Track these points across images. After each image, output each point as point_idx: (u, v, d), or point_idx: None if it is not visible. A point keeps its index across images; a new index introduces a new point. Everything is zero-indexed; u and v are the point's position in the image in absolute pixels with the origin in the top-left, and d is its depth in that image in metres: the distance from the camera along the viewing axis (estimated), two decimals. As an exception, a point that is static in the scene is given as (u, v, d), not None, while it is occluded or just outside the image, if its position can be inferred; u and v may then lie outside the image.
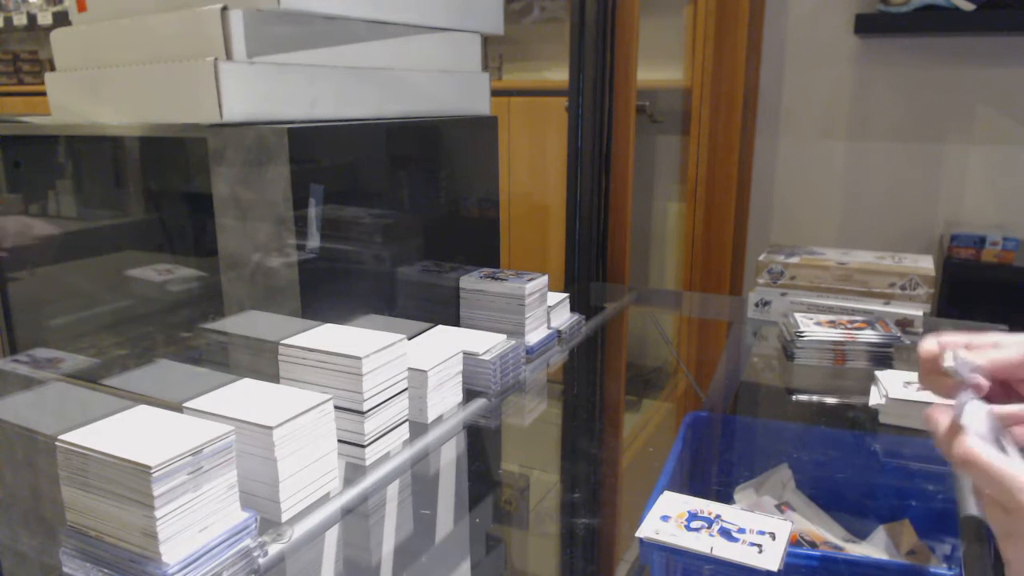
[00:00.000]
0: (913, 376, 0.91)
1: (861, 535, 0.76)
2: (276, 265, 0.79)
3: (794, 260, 1.24)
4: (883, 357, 1.04)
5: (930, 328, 1.18)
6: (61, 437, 0.55)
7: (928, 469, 0.79)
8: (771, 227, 2.11)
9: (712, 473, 0.86)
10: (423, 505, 0.73)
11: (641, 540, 0.58)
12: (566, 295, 1.14)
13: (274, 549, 0.61)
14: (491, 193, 1.15)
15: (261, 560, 0.59)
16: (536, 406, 0.98)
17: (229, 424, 0.58)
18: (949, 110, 1.86)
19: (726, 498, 0.80)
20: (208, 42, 0.76)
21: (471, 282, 1.05)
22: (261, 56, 0.78)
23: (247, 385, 0.69)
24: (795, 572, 0.57)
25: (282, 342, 0.75)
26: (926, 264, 1.21)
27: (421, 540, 0.68)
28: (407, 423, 0.78)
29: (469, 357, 0.89)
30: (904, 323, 1.15)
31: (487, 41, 1.92)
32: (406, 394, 0.77)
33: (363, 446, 0.72)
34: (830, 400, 1.00)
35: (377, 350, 0.72)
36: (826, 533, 0.75)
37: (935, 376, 0.50)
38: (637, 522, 0.59)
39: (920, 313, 1.15)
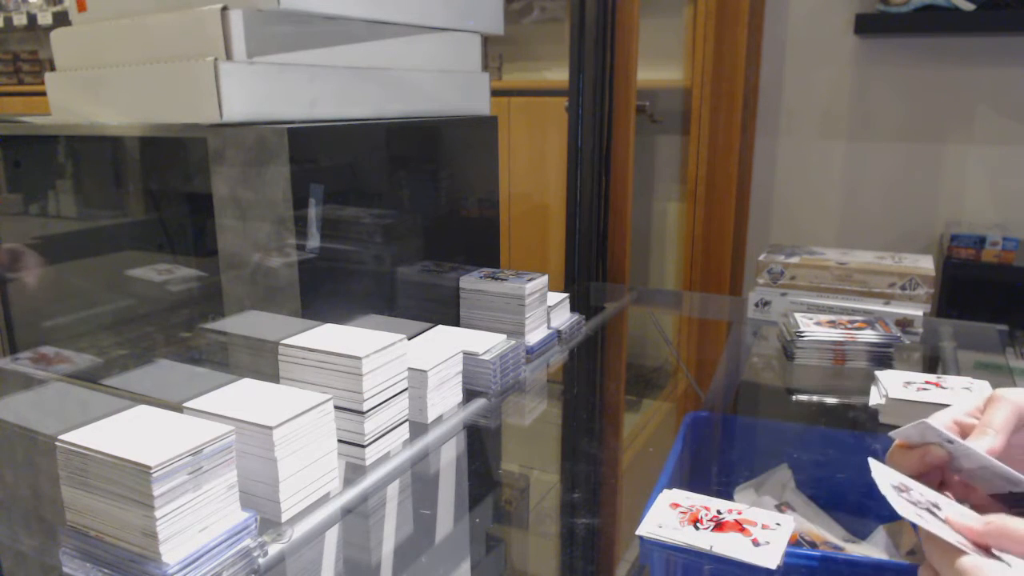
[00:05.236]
0: (913, 376, 0.91)
1: (861, 535, 0.76)
2: (276, 265, 0.79)
3: (794, 260, 1.24)
4: (883, 357, 1.04)
5: (930, 328, 1.19)
6: (61, 437, 0.55)
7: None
8: (771, 227, 2.11)
9: (712, 473, 0.86)
10: (423, 505, 0.73)
11: (641, 538, 0.58)
12: (566, 295, 1.14)
13: (274, 549, 0.61)
14: (491, 193, 1.15)
15: (261, 560, 0.59)
16: (536, 406, 0.98)
17: (229, 424, 0.58)
18: (949, 110, 1.86)
19: (726, 498, 0.80)
20: (208, 42, 0.76)
21: (471, 282, 1.05)
22: (261, 56, 0.78)
23: (247, 385, 0.69)
24: (795, 572, 0.57)
25: (282, 342, 0.75)
26: (926, 264, 1.21)
27: (421, 540, 0.68)
28: (407, 423, 0.78)
29: (469, 357, 0.89)
30: (904, 323, 1.15)
31: (487, 41, 1.93)
32: (406, 394, 0.77)
33: (363, 446, 0.72)
34: (830, 400, 1.00)
35: (377, 350, 0.72)
36: (826, 533, 0.75)
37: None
38: (637, 521, 0.59)
39: (920, 313, 1.15)
